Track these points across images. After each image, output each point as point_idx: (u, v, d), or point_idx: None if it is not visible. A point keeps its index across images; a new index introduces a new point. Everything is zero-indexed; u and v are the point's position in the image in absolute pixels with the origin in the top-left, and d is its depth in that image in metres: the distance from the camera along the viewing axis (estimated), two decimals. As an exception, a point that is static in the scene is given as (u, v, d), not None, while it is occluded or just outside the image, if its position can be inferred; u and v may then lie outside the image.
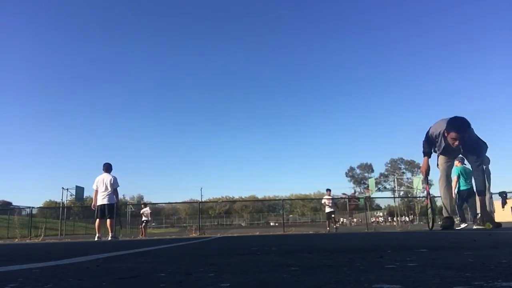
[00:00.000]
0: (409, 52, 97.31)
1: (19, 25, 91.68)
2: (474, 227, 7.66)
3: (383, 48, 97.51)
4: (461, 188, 8.87)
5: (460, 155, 7.56)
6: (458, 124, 5.77)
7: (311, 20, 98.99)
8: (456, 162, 8.55)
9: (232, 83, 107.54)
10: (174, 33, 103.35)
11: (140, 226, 17.78)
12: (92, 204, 9.18)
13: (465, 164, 8.74)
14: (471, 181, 8.44)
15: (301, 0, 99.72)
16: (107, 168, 9.06)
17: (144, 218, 17.20)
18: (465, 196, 8.74)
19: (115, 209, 9.12)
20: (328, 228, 14.98)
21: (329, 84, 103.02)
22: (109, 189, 8.85)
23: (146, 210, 17.31)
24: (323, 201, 16.32)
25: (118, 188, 9.10)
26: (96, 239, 8.57)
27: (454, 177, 8.53)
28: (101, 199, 8.91)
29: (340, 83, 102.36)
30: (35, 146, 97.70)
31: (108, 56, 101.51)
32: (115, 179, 8.95)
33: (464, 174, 8.89)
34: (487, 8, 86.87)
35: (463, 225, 8.43)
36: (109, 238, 8.55)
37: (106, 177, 8.93)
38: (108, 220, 8.82)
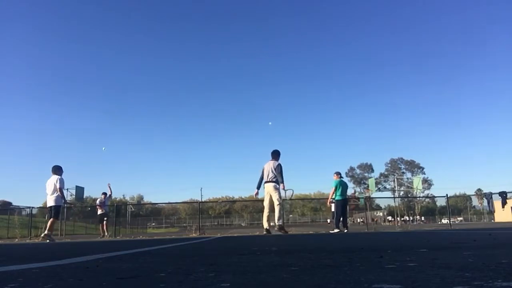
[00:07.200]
0: (409, 52, 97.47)
1: (20, 28, 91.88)
2: (336, 230, 9.35)
3: (383, 48, 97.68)
4: (337, 198, 10.00)
5: (338, 170, 10.14)
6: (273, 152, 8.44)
7: (315, 22, 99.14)
8: (335, 176, 10.19)
9: (232, 83, 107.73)
10: (173, 38, 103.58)
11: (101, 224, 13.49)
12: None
13: (342, 178, 10.31)
14: (346, 193, 10.30)
15: (299, 2, 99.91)
16: (55, 170, 9.15)
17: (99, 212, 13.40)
18: (341, 206, 9.98)
19: (59, 210, 9.24)
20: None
21: (329, 85, 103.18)
22: (54, 190, 8.94)
23: (101, 198, 13.61)
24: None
25: (64, 189, 9.25)
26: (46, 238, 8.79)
27: (332, 188, 10.07)
28: (48, 201, 9.10)
29: (340, 83, 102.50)
30: (35, 146, 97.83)
31: (107, 59, 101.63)
32: (60, 180, 9.03)
33: (340, 187, 10.07)
34: (487, 6, 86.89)
35: (336, 230, 9.50)
36: (42, 235, 8.73)
37: (53, 179, 9.05)
38: (50, 219, 8.90)
